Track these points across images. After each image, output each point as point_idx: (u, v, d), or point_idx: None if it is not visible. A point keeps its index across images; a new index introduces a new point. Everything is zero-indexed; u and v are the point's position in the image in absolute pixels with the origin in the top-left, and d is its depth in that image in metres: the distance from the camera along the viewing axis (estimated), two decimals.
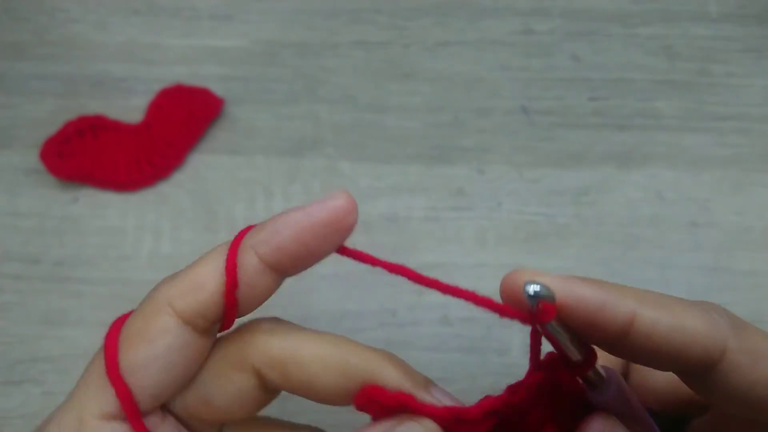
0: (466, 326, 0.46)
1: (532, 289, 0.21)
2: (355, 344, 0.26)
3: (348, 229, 0.25)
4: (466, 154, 0.51)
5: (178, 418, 0.26)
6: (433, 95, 0.53)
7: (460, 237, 0.49)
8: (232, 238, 0.25)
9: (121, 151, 0.51)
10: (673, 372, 0.24)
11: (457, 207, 0.50)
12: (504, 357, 0.45)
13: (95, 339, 0.47)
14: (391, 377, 0.24)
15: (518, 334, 0.45)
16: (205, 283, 0.24)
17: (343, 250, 0.26)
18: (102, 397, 0.24)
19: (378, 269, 0.44)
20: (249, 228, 0.25)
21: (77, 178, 0.50)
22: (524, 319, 0.22)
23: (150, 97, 0.53)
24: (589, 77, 0.54)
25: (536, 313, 0.21)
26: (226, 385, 0.26)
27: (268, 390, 0.26)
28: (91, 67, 0.55)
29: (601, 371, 0.25)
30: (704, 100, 0.53)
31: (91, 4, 0.57)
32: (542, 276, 0.22)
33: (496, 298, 0.49)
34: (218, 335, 0.27)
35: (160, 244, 0.48)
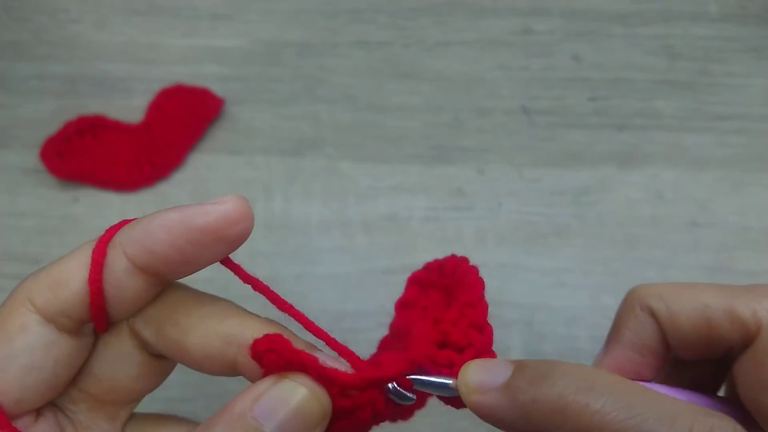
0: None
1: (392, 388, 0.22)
2: (238, 309, 0.24)
3: (235, 240, 0.22)
4: (466, 154, 0.51)
5: (71, 404, 0.24)
6: (433, 95, 0.53)
7: (460, 237, 0.49)
8: None
9: (121, 151, 0.51)
10: (711, 357, 0.24)
11: (457, 207, 0.50)
12: (504, 357, 0.45)
13: None
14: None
15: (518, 335, 0.45)
16: (68, 280, 0.22)
17: (226, 261, 0.23)
18: None
19: (378, 269, 0.44)
20: (123, 223, 0.23)
21: (77, 178, 0.50)
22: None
23: (150, 97, 0.53)
24: (589, 77, 0.54)
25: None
26: (105, 351, 0.24)
27: (153, 354, 0.24)
28: (91, 67, 0.55)
29: None
30: (704, 100, 0.53)
31: (91, 4, 0.57)
32: (476, 391, 0.22)
33: (497, 297, 0.49)
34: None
35: None
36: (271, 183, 0.50)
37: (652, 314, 0.24)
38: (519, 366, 0.23)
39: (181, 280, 0.25)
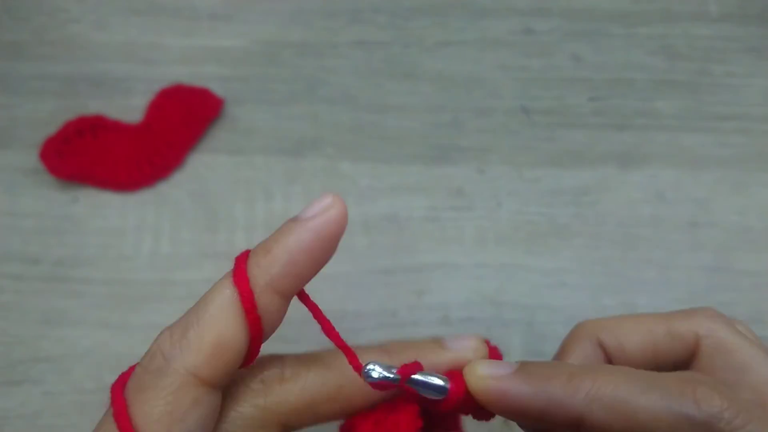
0: (466, 326, 0.46)
1: (371, 374, 0.22)
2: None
3: (341, 234, 0.24)
4: (466, 154, 0.51)
5: None
6: (433, 95, 0.53)
7: (460, 237, 0.49)
8: (232, 237, 0.24)
9: (121, 151, 0.51)
10: (652, 367, 0.26)
11: (457, 207, 0.50)
12: (504, 357, 0.45)
13: (95, 339, 0.48)
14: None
15: (518, 335, 0.45)
16: (231, 343, 0.21)
17: (301, 295, 0.24)
18: None
19: (378, 269, 0.45)
20: (244, 258, 0.22)
21: (77, 178, 0.50)
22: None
23: (150, 97, 0.53)
24: (589, 77, 0.54)
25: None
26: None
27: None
28: (91, 67, 0.55)
29: None
30: (704, 100, 0.53)
31: (91, 4, 0.57)
32: (486, 377, 0.23)
33: (497, 297, 0.49)
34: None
35: (159, 244, 0.48)
36: (271, 183, 0.50)
37: (600, 345, 0.27)
38: (523, 363, 0.24)
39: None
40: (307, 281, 0.23)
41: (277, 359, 0.25)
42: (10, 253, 0.48)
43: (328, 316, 0.25)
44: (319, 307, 0.26)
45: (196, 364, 0.21)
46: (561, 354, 0.28)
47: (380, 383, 0.23)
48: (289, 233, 0.23)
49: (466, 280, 0.47)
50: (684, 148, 0.51)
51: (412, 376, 0.23)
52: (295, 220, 0.23)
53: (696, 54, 0.55)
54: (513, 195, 0.50)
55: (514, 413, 0.22)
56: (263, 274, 0.22)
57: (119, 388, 0.22)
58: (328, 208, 0.24)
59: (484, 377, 0.23)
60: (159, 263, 0.48)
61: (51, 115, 0.52)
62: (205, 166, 0.51)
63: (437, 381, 0.23)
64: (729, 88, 0.54)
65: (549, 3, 0.57)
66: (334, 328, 0.24)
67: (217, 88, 0.53)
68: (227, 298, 0.22)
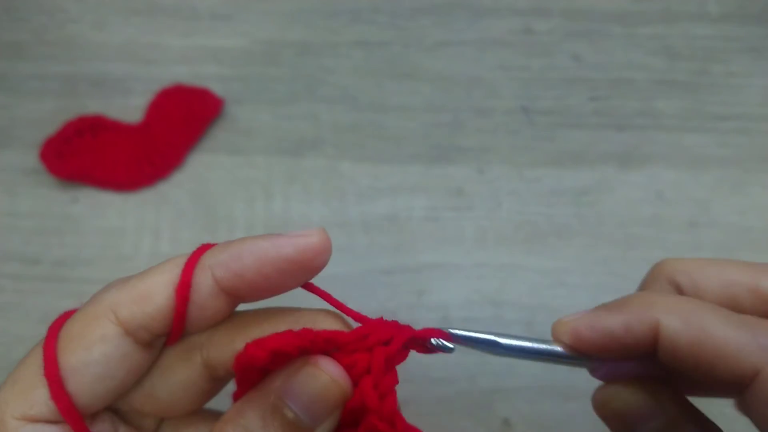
0: (466, 326, 0.46)
1: (435, 343, 0.24)
2: (298, 309, 0.25)
3: (316, 270, 0.24)
4: (466, 154, 0.51)
5: (117, 411, 0.26)
6: (433, 95, 0.53)
7: (460, 237, 0.49)
8: (232, 237, 0.24)
9: (121, 151, 0.51)
10: (706, 384, 0.24)
11: (457, 207, 0.50)
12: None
13: None
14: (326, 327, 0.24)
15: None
16: (154, 296, 0.23)
17: (308, 286, 0.25)
18: (30, 399, 0.22)
19: (378, 269, 0.45)
20: (209, 245, 0.24)
21: (77, 178, 0.50)
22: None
23: (150, 97, 0.53)
24: (589, 77, 0.54)
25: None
26: (172, 377, 0.25)
27: (216, 378, 0.25)
28: (90, 67, 0.55)
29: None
30: (704, 100, 0.53)
31: (91, 4, 0.57)
32: (570, 320, 0.24)
33: (497, 297, 0.49)
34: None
35: (159, 243, 0.48)
36: (271, 183, 0.50)
37: (678, 288, 0.26)
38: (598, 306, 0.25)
39: None
40: (259, 290, 0.24)
41: None
42: (10, 253, 0.48)
43: None
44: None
45: (119, 302, 0.23)
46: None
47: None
48: (252, 239, 0.24)
49: (466, 280, 0.47)
50: (684, 148, 0.51)
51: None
52: (270, 234, 0.24)
53: (696, 54, 0.55)
54: (513, 195, 0.50)
55: (601, 340, 0.23)
56: (211, 259, 0.23)
57: (62, 317, 0.24)
58: (304, 236, 0.23)
59: (570, 320, 0.24)
60: (159, 263, 0.48)
61: (51, 115, 0.52)
62: (205, 166, 0.51)
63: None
64: (729, 88, 0.54)
65: (549, 3, 0.57)
66: (346, 306, 0.25)
67: (217, 88, 0.53)
68: (173, 262, 0.24)
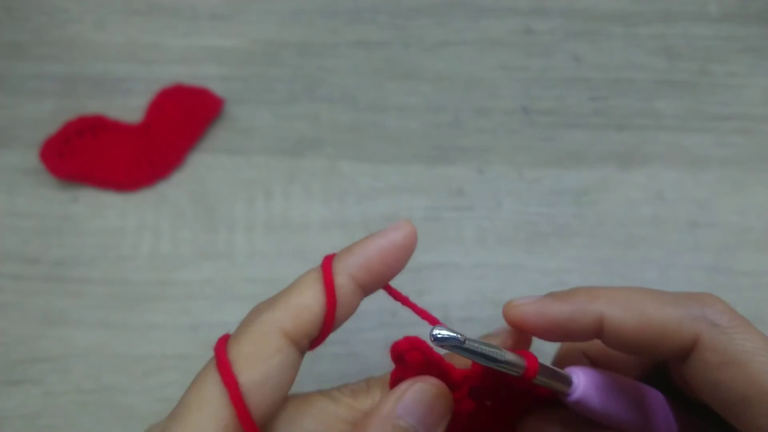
0: (466, 326, 0.46)
1: (437, 334, 0.24)
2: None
3: (412, 252, 0.29)
4: (466, 154, 0.51)
5: None
6: (433, 95, 0.53)
7: (460, 237, 0.49)
8: (232, 237, 0.26)
9: (121, 151, 0.51)
10: (655, 359, 0.27)
11: (457, 207, 0.50)
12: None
13: (95, 339, 0.48)
14: None
15: None
16: (311, 306, 0.27)
17: (387, 287, 0.30)
18: (221, 418, 0.24)
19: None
20: (332, 255, 0.28)
21: (77, 178, 0.50)
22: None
23: (150, 97, 0.53)
24: (589, 77, 0.54)
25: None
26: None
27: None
28: (90, 67, 0.55)
29: (571, 376, 0.26)
30: (704, 100, 0.53)
31: (91, 4, 0.57)
32: (519, 303, 0.26)
33: (497, 297, 0.49)
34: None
35: (159, 244, 0.48)
36: (271, 183, 0.50)
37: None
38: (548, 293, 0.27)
39: None
40: (382, 279, 0.28)
41: None
42: (10, 253, 0.48)
43: None
44: None
45: (282, 318, 0.26)
46: None
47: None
48: (368, 239, 0.28)
49: (466, 280, 0.47)
50: (684, 148, 0.51)
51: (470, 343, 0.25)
52: (374, 233, 0.29)
53: (696, 54, 0.55)
54: (513, 195, 0.50)
55: (546, 326, 0.26)
56: (342, 264, 0.28)
57: (222, 342, 0.27)
58: (402, 226, 0.29)
59: (519, 303, 0.26)
60: (158, 263, 0.48)
61: (51, 115, 0.52)
62: (205, 166, 0.51)
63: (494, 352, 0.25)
64: (729, 88, 0.54)
65: (549, 3, 0.57)
66: (421, 309, 0.30)
67: (217, 88, 0.53)
68: (312, 276, 0.27)
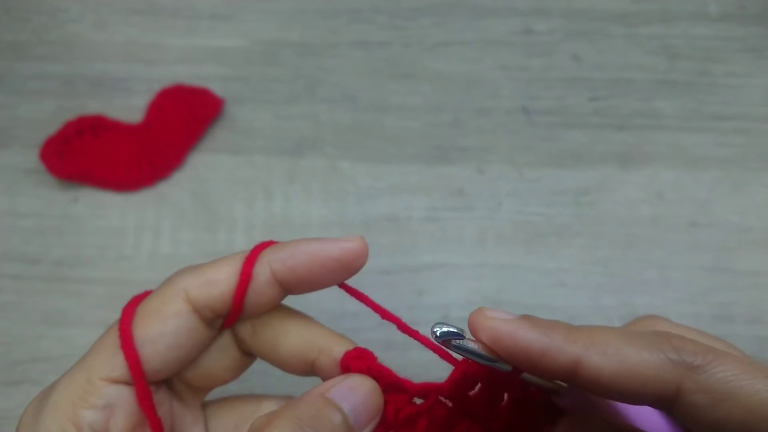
0: (465, 326, 0.46)
1: (439, 331, 0.25)
2: (316, 322, 0.30)
3: (354, 270, 0.28)
4: (466, 154, 0.51)
5: (170, 385, 0.29)
6: (433, 95, 0.53)
7: (460, 237, 0.49)
8: (232, 237, 0.27)
9: (121, 151, 0.51)
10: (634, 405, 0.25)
11: (457, 207, 0.50)
12: None
13: (95, 339, 0.47)
14: (342, 351, 0.28)
15: None
16: (220, 281, 0.27)
17: (343, 286, 0.29)
18: (111, 363, 0.27)
19: (378, 269, 0.45)
20: (268, 243, 0.28)
21: (77, 178, 0.50)
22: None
23: (150, 97, 0.53)
24: (589, 77, 0.54)
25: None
26: (209, 346, 0.29)
27: (244, 350, 0.30)
28: (91, 67, 0.55)
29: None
30: (704, 100, 0.53)
31: (91, 4, 0.57)
32: (493, 318, 0.25)
33: (497, 297, 0.49)
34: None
35: (159, 243, 0.48)
36: (271, 183, 0.50)
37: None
38: (525, 315, 0.25)
39: None
40: (307, 284, 0.28)
41: None
42: (10, 253, 0.48)
43: (328, 316, 0.28)
44: (319, 307, 0.29)
45: (190, 285, 0.27)
46: None
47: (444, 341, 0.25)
48: (306, 241, 0.28)
49: (466, 280, 0.47)
50: (684, 148, 0.51)
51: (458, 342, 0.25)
52: (319, 238, 0.28)
53: (696, 54, 0.55)
54: (513, 195, 0.50)
55: (517, 352, 0.24)
56: (269, 255, 0.28)
57: (136, 298, 0.28)
58: (348, 241, 0.28)
59: (493, 318, 0.25)
60: (159, 263, 0.48)
61: (51, 115, 0.52)
62: (205, 166, 0.51)
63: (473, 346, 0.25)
64: (729, 88, 0.54)
65: (549, 3, 0.57)
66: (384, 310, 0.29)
67: (217, 88, 0.53)
68: (237, 256, 0.28)
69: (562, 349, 0.23)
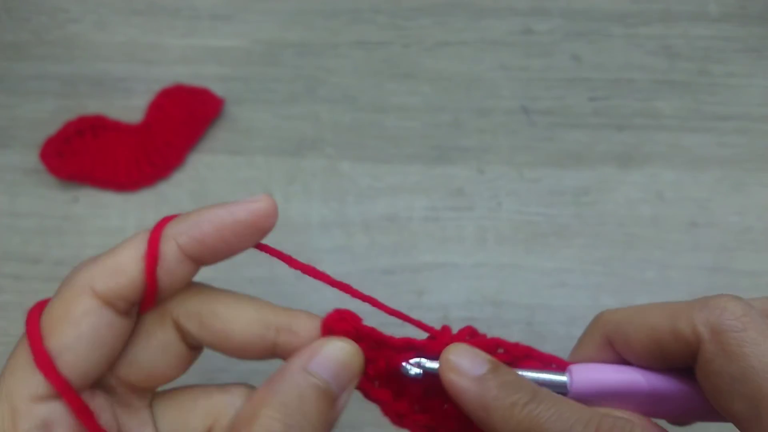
0: (465, 326, 0.46)
1: (413, 371, 0.26)
2: (265, 301, 0.28)
3: (265, 231, 0.27)
4: (466, 154, 0.51)
5: (109, 390, 0.27)
6: (433, 95, 0.53)
7: (460, 237, 0.49)
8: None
9: (121, 151, 0.51)
10: (662, 366, 0.26)
11: (457, 207, 0.50)
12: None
13: None
14: (305, 326, 0.27)
15: (518, 335, 0.45)
16: (126, 268, 0.25)
17: (261, 247, 0.28)
18: (32, 382, 0.24)
19: (378, 269, 0.45)
20: (170, 217, 0.27)
21: (77, 178, 0.50)
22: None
23: (150, 97, 0.53)
24: (589, 77, 0.54)
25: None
26: (149, 341, 0.27)
27: (190, 345, 0.28)
28: (91, 67, 0.55)
29: (564, 377, 0.27)
30: (704, 100, 0.53)
31: (91, 4, 0.57)
32: (456, 368, 0.26)
33: (497, 297, 0.49)
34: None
35: None
36: (271, 183, 0.50)
37: (610, 340, 0.28)
38: (494, 367, 0.26)
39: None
40: (218, 253, 0.27)
41: None
42: (10, 253, 0.48)
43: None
44: (319, 307, 0.28)
45: (93, 278, 0.25)
46: (577, 347, 0.30)
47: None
48: (208, 208, 0.27)
49: (466, 280, 0.47)
50: (684, 148, 0.51)
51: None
52: (223, 203, 0.27)
53: (696, 54, 0.55)
54: (513, 195, 0.50)
55: (478, 411, 0.25)
56: (173, 230, 0.26)
57: (36, 307, 0.26)
58: (254, 201, 0.27)
59: (451, 370, 0.26)
60: None
61: (51, 115, 0.52)
62: (205, 166, 0.51)
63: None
64: (729, 88, 0.54)
65: (549, 3, 0.57)
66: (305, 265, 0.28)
67: (217, 88, 0.53)
68: (138, 238, 0.26)
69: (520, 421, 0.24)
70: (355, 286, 0.30)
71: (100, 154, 0.51)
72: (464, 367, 0.26)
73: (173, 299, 0.27)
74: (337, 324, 0.27)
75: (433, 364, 0.27)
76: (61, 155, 0.50)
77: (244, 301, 0.28)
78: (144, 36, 0.56)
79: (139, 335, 0.27)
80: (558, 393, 0.26)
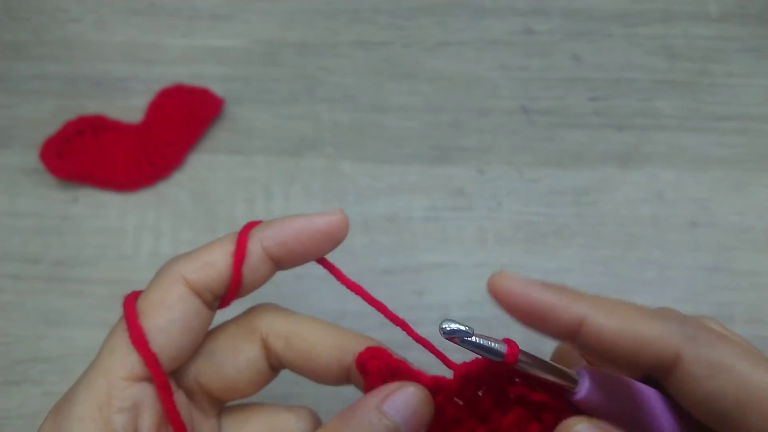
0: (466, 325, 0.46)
1: (448, 327, 0.26)
2: (346, 329, 0.31)
3: (338, 241, 0.30)
4: (466, 154, 0.51)
5: (190, 394, 0.30)
6: (433, 95, 0.53)
7: (460, 237, 0.49)
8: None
9: (121, 151, 0.51)
10: (631, 373, 0.27)
11: (457, 207, 0.50)
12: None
13: (95, 339, 0.47)
14: None
15: (518, 334, 0.45)
16: (216, 263, 0.28)
17: (321, 261, 0.30)
18: (128, 361, 0.27)
19: (378, 269, 0.45)
20: (255, 222, 0.29)
21: (77, 178, 0.50)
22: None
23: (150, 97, 0.53)
24: (589, 77, 0.54)
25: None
26: (237, 354, 0.30)
27: (272, 365, 0.30)
28: (91, 67, 0.55)
29: (574, 374, 0.27)
30: (704, 100, 0.53)
31: (91, 4, 0.57)
32: (509, 277, 0.27)
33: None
34: (221, 315, 0.30)
35: (159, 244, 0.48)
36: (271, 183, 0.50)
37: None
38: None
39: None
40: (296, 257, 0.29)
41: None
42: (10, 253, 0.48)
43: (328, 316, 0.28)
44: (319, 306, 0.28)
45: (187, 270, 0.28)
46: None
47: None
48: (291, 217, 0.29)
49: (466, 280, 0.47)
50: (684, 148, 0.52)
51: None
52: (302, 214, 0.29)
53: (696, 54, 0.55)
54: (513, 195, 0.50)
55: (525, 308, 0.26)
56: (258, 233, 0.29)
57: (133, 294, 0.29)
58: (331, 214, 0.29)
59: (509, 278, 0.27)
60: (159, 263, 0.47)
61: (51, 115, 0.52)
62: (205, 166, 0.51)
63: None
64: (729, 88, 0.54)
65: (549, 3, 0.57)
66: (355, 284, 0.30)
67: (217, 88, 0.53)
68: (227, 238, 0.29)
69: (569, 307, 0.25)
70: None
71: (99, 154, 0.51)
72: (518, 276, 0.27)
73: (263, 319, 0.30)
74: (370, 362, 0.27)
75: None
76: (61, 155, 0.50)
77: (326, 326, 0.30)
78: (144, 36, 0.56)
79: (228, 348, 0.30)
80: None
